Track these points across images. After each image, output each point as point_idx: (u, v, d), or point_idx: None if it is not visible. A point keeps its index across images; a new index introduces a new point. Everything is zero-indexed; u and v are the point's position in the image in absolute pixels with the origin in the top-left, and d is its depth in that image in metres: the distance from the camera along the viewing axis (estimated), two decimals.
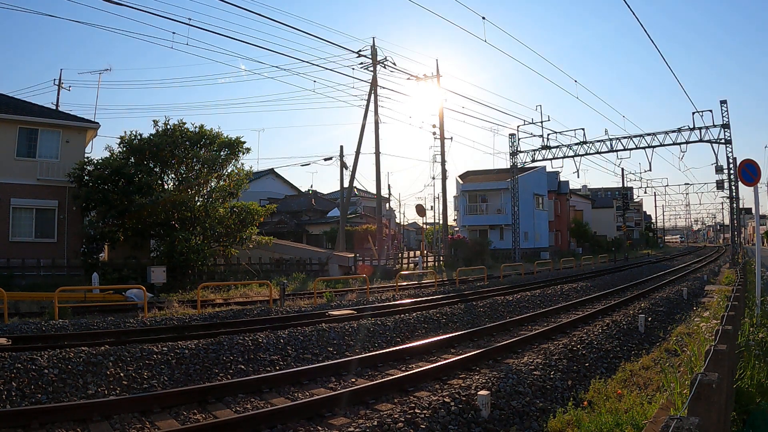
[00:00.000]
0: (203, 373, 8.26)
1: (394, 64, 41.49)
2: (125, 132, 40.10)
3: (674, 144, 33.15)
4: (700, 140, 32.38)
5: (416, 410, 5.82)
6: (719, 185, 39.81)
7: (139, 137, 22.30)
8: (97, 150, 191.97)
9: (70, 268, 20.90)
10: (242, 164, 24.81)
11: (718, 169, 35.62)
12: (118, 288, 16.42)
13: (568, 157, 36.42)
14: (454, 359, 8.71)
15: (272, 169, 53.25)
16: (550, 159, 37.41)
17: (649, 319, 12.06)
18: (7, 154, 21.46)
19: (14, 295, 14.68)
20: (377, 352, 9.36)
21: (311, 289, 18.01)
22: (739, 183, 26.46)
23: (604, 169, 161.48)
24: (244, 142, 24.05)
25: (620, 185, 54.30)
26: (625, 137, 34.51)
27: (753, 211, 30.57)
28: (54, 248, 21.74)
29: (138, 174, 20.78)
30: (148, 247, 23.51)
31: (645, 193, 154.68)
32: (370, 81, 31.15)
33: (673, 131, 32.91)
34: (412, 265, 31.97)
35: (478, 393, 6.20)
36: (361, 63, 30.81)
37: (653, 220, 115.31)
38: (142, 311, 13.61)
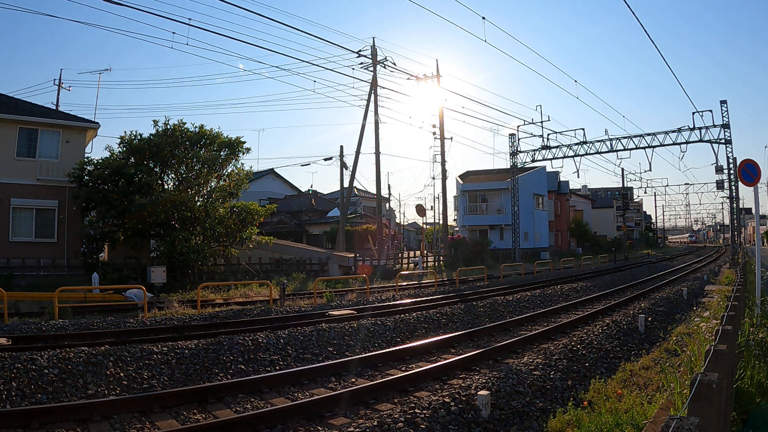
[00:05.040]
0: (203, 373, 8.26)
1: (394, 64, 41.54)
2: (125, 132, 40.19)
3: (674, 144, 33.16)
4: (700, 140, 32.38)
5: (416, 410, 5.82)
6: (719, 185, 39.84)
7: (139, 137, 22.29)
8: (97, 150, 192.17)
9: (70, 268, 20.89)
10: (242, 164, 24.83)
11: (718, 169, 35.63)
12: (118, 288, 16.41)
13: (568, 157, 36.43)
14: (454, 359, 8.71)
15: (272, 169, 53.34)
16: (550, 159, 37.44)
17: (649, 319, 12.06)
18: (7, 154, 21.46)
19: (14, 295, 14.68)
20: (377, 352, 9.35)
21: (311, 289, 18.00)
22: (739, 183, 26.46)
23: (604, 169, 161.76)
24: (244, 142, 24.06)
25: (620, 185, 54.32)
26: (625, 137, 34.53)
27: (753, 211, 30.58)
28: (54, 248, 21.73)
29: (138, 174, 20.76)
30: (148, 247, 23.50)
31: (645, 193, 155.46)
32: (370, 81, 31.15)
33: (673, 131, 32.92)
34: (412, 265, 31.96)
35: (478, 393, 6.20)
36: (361, 63, 30.83)
37: (653, 220, 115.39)
38: (142, 311, 13.60)
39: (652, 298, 16.27)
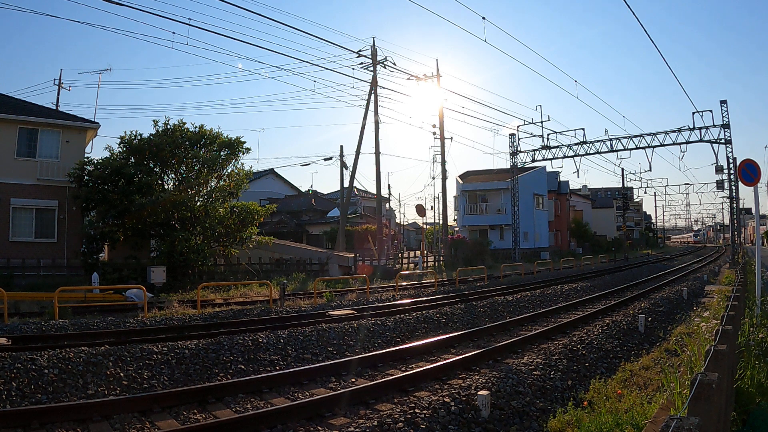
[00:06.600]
0: (203, 373, 8.26)
1: (394, 64, 41.59)
2: (125, 132, 40.12)
3: (674, 144, 33.16)
4: (700, 140, 32.38)
5: (416, 410, 5.82)
6: (719, 185, 39.80)
7: (139, 137, 22.28)
8: (97, 150, 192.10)
9: (70, 268, 20.89)
10: (242, 164, 24.84)
11: (718, 169, 35.62)
12: (118, 288, 16.42)
13: (568, 157, 36.43)
14: (454, 359, 8.71)
15: (272, 169, 53.36)
16: (550, 159, 37.43)
17: (649, 319, 12.06)
18: (7, 154, 21.45)
19: (14, 295, 14.68)
20: (377, 352, 9.35)
21: (311, 289, 18.00)
22: (739, 183, 26.47)
23: (604, 169, 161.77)
24: (244, 142, 24.07)
25: (620, 185, 54.35)
26: (625, 137, 34.53)
27: (753, 211, 30.57)
28: (54, 248, 21.73)
29: (138, 174, 20.77)
30: (148, 247, 23.50)
31: (645, 193, 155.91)
32: (370, 81, 31.14)
33: (673, 131, 32.92)
34: (412, 265, 31.96)
35: (478, 393, 6.20)
36: (361, 63, 30.82)
37: (653, 220, 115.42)
38: (142, 311, 13.60)
39: (652, 298, 16.26)
